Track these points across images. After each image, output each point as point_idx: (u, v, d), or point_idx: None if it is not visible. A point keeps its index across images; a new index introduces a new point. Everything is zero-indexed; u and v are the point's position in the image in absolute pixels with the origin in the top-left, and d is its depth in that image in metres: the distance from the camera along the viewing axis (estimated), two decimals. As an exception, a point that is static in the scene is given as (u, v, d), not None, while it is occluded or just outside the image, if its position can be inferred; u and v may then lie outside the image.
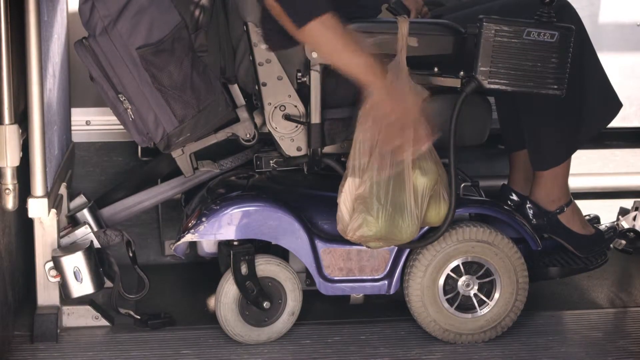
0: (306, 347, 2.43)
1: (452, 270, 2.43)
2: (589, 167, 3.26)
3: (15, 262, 2.52)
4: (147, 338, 2.46)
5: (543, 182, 2.60)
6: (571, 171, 2.64)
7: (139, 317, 2.51)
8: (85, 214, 2.62)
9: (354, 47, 2.17)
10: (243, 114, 2.43)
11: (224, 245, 2.44)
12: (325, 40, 2.19)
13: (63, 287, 2.42)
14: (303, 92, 2.37)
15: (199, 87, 2.34)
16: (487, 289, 2.46)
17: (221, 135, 2.44)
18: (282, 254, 2.48)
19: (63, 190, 2.57)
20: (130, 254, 2.57)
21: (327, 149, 2.42)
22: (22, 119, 2.31)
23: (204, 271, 2.85)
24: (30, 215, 2.34)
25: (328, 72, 2.33)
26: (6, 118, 2.19)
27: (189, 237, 2.38)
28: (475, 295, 2.45)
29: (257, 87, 2.38)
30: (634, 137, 3.33)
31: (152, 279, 2.56)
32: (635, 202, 3.02)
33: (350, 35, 2.17)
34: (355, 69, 2.18)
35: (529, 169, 2.66)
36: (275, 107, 2.37)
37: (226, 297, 2.40)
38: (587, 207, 2.85)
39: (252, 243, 2.40)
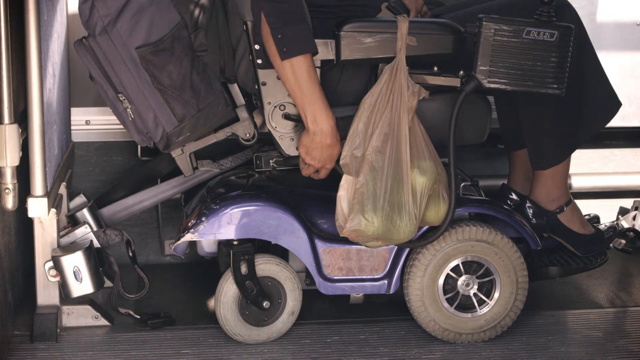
0: (306, 347, 2.43)
1: (451, 270, 2.43)
2: (588, 167, 3.26)
3: (15, 262, 2.52)
4: (147, 338, 2.46)
5: (543, 182, 2.59)
6: (571, 171, 2.64)
7: (138, 316, 2.51)
8: (85, 213, 2.62)
9: (319, 92, 2.25)
10: (243, 113, 2.42)
11: (224, 244, 2.44)
12: (299, 77, 2.23)
13: (63, 286, 2.42)
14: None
15: (198, 86, 2.34)
16: (486, 289, 2.46)
17: (221, 135, 2.44)
18: (281, 253, 2.48)
19: (63, 189, 2.57)
20: (130, 254, 2.57)
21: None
22: (22, 118, 2.30)
23: (203, 271, 2.85)
24: (30, 214, 2.34)
25: (328, 71, 2.34)
26: (6, 118, 2.19)
27: (188, 237, 2.38)
28: (475, 294, 2.45)
29: (256, 87, 2.38)
30: (634, 137, 3.33)
31: (151, 278, 2.56)
32: (635, 201, 3.02)
33: (316, 79, 2.26)
34: (309, 111, 2.26)
35: (528, 168, 2.66)
36: (275, 107, 2.36)
37: (226, 296, 2.40)
38: (586, 207, 2.85)
39: (251, 243, 2.40)
